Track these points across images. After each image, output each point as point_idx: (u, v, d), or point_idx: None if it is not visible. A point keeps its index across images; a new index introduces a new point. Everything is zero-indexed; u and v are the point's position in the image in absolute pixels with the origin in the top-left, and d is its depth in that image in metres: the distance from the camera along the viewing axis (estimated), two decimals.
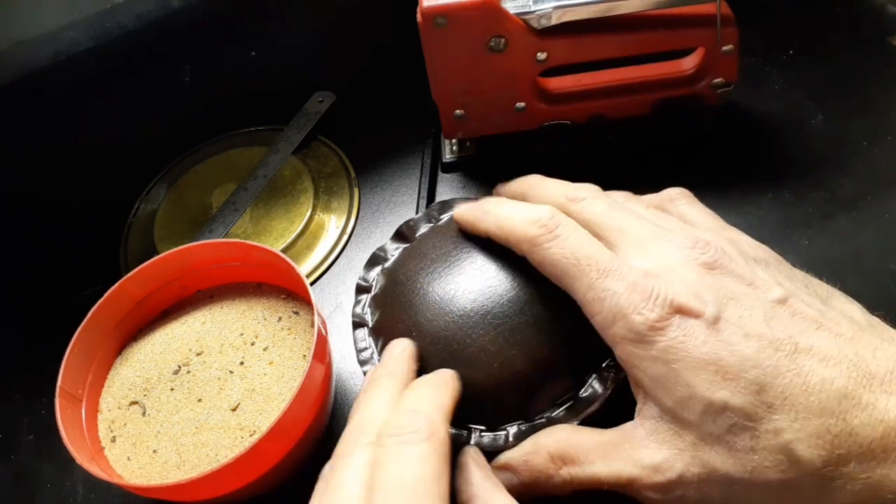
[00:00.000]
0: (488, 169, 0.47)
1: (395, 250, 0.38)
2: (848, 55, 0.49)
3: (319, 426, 0.34)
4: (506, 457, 0.30)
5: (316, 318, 0.33)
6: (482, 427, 0.31)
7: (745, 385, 0.25)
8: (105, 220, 0.49)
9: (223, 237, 0.45)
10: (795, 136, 0.45)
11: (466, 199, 0.39)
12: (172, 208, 0.48)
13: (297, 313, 0.37)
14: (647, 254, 0.29)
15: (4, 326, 0.45)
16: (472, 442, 0.31)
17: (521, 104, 0.43)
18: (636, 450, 0.27)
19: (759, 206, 0.42)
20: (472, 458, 0.29)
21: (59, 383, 0.33)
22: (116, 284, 0.36)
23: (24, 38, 0.55)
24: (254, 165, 0.48)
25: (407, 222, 0.38)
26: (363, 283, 0.37)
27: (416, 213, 0.44)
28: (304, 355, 0.36)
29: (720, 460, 0.25)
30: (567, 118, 0.44)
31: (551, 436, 0.30)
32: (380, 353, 0.33)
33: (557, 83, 0.44)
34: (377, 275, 0.37)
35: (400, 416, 0.27)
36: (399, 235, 0.38)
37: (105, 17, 0.57)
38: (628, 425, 0.28)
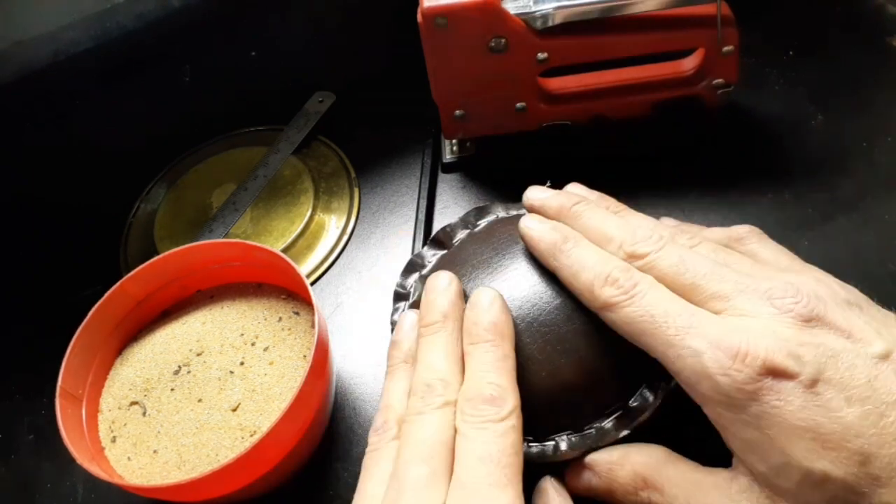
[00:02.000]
0: (488, 169, 0.47)
1: (432, 257, 0.37)
2: (848, 55, 0.49)
3: (320, 426, 0.34)
4: (592, 457, 0.30)
5: (316, 318, 0.33)
6: (530, 437, 0.31)
7: (848, 456, 0.23)
8: (105, 220, 0.49)
9: (223, 237, 0.45)
10: (795, 136, 0.45)
11: (506, 206, 0.39)
12: (172, 208, 0.48)
13: (297, 313, 0.37)
14: (732, 308, 0.27)
15: (4, 326, 0.45)
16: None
17: (521, 104, 0.43)
18: (723, 500, 0.26)
19: (759, 206, 0.42)
20: (553, 485, 0.29)
21: (59, 383, 0.33)
22: (116, 284, 0.36)
23: (24, 38, 0.55)
24: (254, 165, 0.48)
25: (443, 228, 0.38)
26: (401, 290, 0.36)
27: (416, 213, 0.44)
28: (305, 355, 0.36)
29: None
30: (567, 118, 0.44)
31: (642, 454, 0.29)
32: None
33: (558, 83, 0.44)
34: (415, 282, 0.36)
35: (479, 387, 0.27)
36: (436, 242, 0.38)
37: (105, 17, 0.57)
38: (723, 473, 0.27)
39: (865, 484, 0.23)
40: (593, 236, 0.31)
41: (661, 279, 0.28)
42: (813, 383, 0.24)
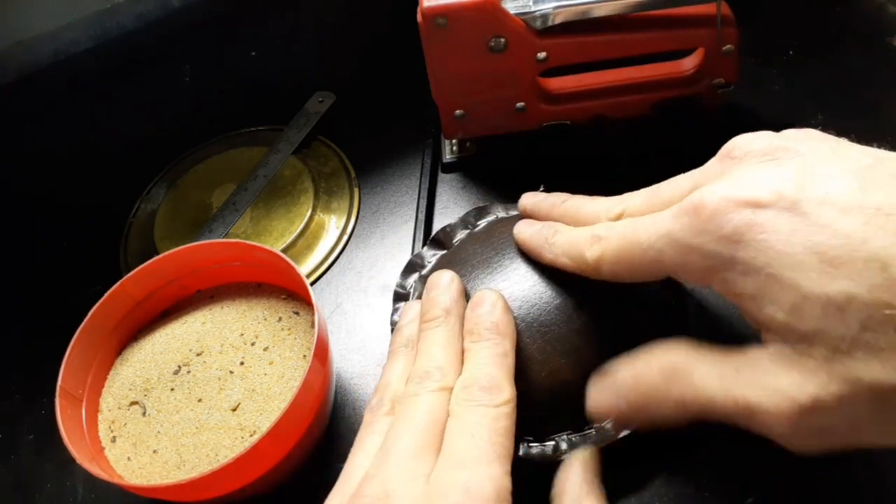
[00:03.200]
0: (488, 169, 0.47)
1: (432, 257, 0.37)
2: (848, 55, 0.49)
3: (320, 426, 0.34)
4: (612, 380, 0.28)
5: (316, 318, 0.33)
6: (530, 437, 0.31)
7: (863, 266, 0.20)
8: (105, 220, 0.49)
9: (223, 237, 0.45)
10: None
11: (506, 206, 0.39)
12: (172, 208, 0.48)
13: (297, 313, 0.37)
14: (698, 184, 0.26)
15: (4, 326, 0.45)
16: (521, 453, 0.30)
17: (521, 104, 0.43)
18: (759, 375, 0.23)
19: None
20: (582, 459, 0.29)
21: (59, 383, 0.33)
22: (116, 284, 0.36)
23: (24, 38, 0.55)
24: (254, 165, 0.48)
25: (443, 228, 0.38)
26: (400, 291, 0.36)
27: (416, 213, 0.44)
28: (305, 355, 0.36)
29: (863, 368, 0.20)
30: (567, 118, 0.44)
31: (664, 351, 0.27)
32: None
33: (557, 83, 0.44)
34: (415, 282, 0.36)
35: (476, 376, 0.27)
36: (435, 242, 0.38)
37: (105, 17, 0.57)
38: (752, 349, 0.24)
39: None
40: (581, 220, 0.32)
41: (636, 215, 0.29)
42: (795, 203, 0.22)
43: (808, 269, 0.21)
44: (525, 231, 0.33)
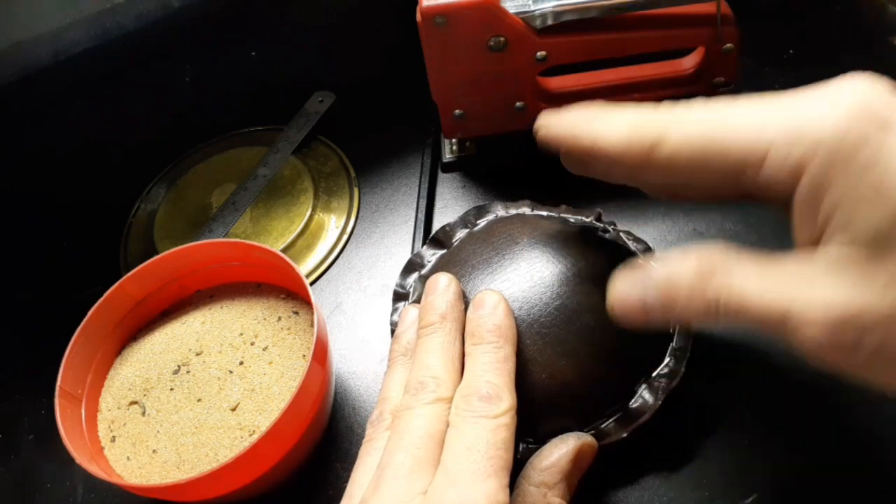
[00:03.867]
0: (488, 169, 0.47)
1: (431, 256, 0.37)
2: (848, 55, 0.48)
3: (319, 426, 0.34)
4: (642, 275, 0.26)
5: (316, 317, 0.33)
6: (530, 439, 0.31)
7: None
8: (105, 220, 0.49)
9: (223, 237, 0.45)
10: None
11: (506, 205, 0.39)
12: (172, 208, 0.48)
13: (296, 313, 0.37)
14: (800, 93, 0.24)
15: (4, 326, 0.45)
16: (520, 455, 0.30)
17: (521, 104, 0.43)
18: (805, 281, 0.22)
19: (759, 206, 0.41)
20: (574, 447, 0.28)
21: (59, 383, 0.33)
22: (116, 284, 0.36)
23: (24, 38, 0.55)
24: (254, 165, 0.48)
25: (443, 228, 0.38)
26: (400, 290, 0.36)
27: (416, 213, 0.44)
28: (304, 355, 0.35)
29: None
30: None
31: (704, 247, 0.25)
32: None
33: (557, 83, 0.44)
34: (414, 281, 0.36)
35: (476, 385, 0.27)
36: (435, 241, 0.38)
37: (105, 17, 0.57)
38: (801, 258, 0.23)
39: None
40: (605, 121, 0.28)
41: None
42: None
43: None
44: (549, 118, 0.29)
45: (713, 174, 0.25)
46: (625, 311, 0.26)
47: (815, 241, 0.23)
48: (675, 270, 0.25)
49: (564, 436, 0.29)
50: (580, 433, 0.30)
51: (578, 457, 0.29)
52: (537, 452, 0.29)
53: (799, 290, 0.22)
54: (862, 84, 0.23)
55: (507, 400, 0.27)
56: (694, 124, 0.25)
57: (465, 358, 0.29)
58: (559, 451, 0.28)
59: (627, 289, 0.26)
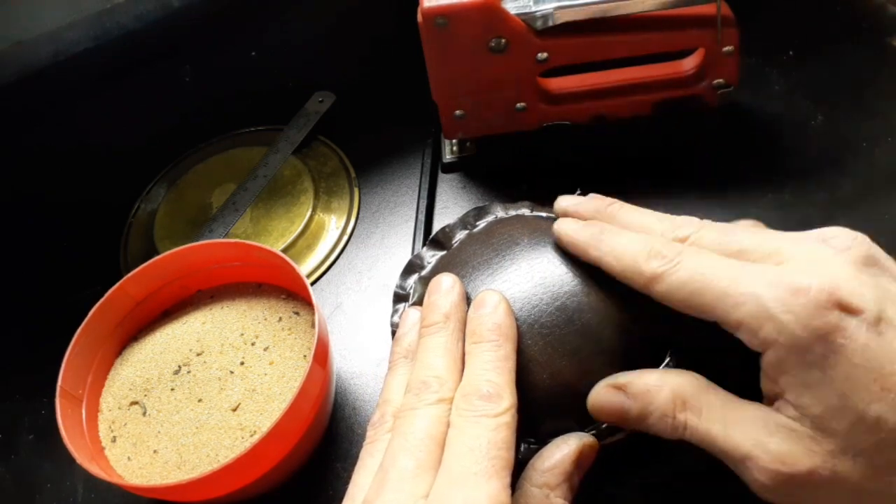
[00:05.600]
0: (488, 169, 0.47)
1: (431, 257, 0.37)
2: (848, 55, 0.49)
3: (320, 426, 0.34)
4: (627, 380, 0.29)
5: (316, 318, 0.33)
6: (531, 439, 0.31)
7: None
8: (105, 220, 0.49)
9: (223, 237, 0.45)
10: (795, 136, 0.45)
11: (505, 206, 0.39)
12: (172, 208, 0.48)
13: (297, 313, 0.37)
14: (789, 258, 0.26)
15: (4, 326, 0.45)
16: (521, 455, 0.30)
17: (521, 104, 0.43)
18: (764, 432, 0.25)
19: (759, 206, 0.42)
20: (576, 447, 0.29)
21: (59, 383, 0.33)
22: (116, 284, 0.36)
23: (24, 38, 0.55)
24: (254, 165, 0.48)
25: (443, 229, 0.38)
26: (400, 292, 0.36)
27: (416, 213, 0.44)
28: (305, 355, 0.36)
29: (857, 473, 0.24)
30: (567, 118, 0.44)
31: (682, 377, 0.28)
32: None
33: (558, 83, 0.44)
34: (414, 283, 0.36)
35: (476, 384, 0.27)
36: (435, 243, 0.38)
37: (105, 17, 0.57)
38: (764, 407, 0.26)
39: None
40: (634, 230, 0.31)
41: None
42: (877, 321, 0.24)
43: (863, 384, 0.24)
44: (568, 226, 0.32)
45: (701, 315, 0.28)
46: (601, 412, 0.29)
47: (773, 399, 0.26)
48: (653, 390, 0.28)
49: (566, 436, 0.29)
50: (581, 433, 0.30)
51: (580, 457, 0.29)
52: (539, 453, 0.29)
53: (758, 440, 0.25)
54: (839, 261, 0.26)
55: (507, 398, 0.27)
56: (689, 274, 0.27)
57: (466, 357, 0.29)
58: (561, 452, 0.28)
59: (609, 395, 0.29)
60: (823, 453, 0.24)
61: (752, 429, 0.26)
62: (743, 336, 0.26)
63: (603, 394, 0.29)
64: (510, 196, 0.41)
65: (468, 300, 0.32)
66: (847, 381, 0.24)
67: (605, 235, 0.31)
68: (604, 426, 0.31)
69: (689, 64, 0.43)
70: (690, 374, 0.28)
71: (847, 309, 0.24)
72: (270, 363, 0.36)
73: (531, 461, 0.29)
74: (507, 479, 0.25)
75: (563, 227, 0.33)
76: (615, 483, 0.32)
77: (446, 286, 0.31)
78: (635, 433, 0.31)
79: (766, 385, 0.26)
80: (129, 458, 0.34)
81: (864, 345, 0.24)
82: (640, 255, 0.29)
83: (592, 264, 0.31)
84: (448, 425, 0.27)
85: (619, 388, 0.29)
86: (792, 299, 0.25)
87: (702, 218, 0.34)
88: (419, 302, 0.33)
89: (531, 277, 0.32)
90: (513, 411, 0.27)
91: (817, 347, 0.24)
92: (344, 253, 0.45)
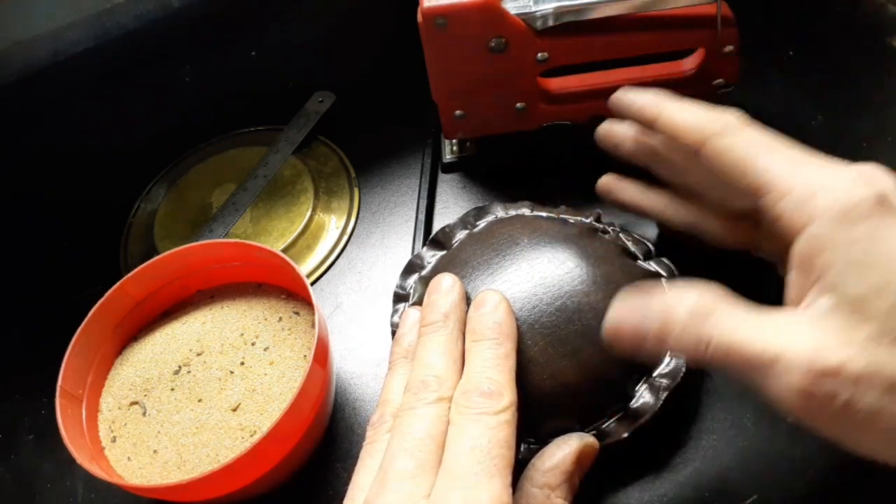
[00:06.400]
0: (488, 169, 0.47)
1: (431, 257, 0.37)
2: (848, 55, 0.49)
3: (320, 427, 0.34)
4: (643, 303, 0.27)
5: (317, 318, 0.33)
6: (531, 439, 0.31)
7: None
8: (105, 220, 0.49)
9: (223, 237, 0.45)
10: (795, 136, 0.44)
11: (505, 206, 0.39)
12: (172, 208, 0.48)
13: (297, 313, 0.37)
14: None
15: (4, 326, 0.45)
16: (521, 455, 0.30)
17: (521, 104, 0.43)
18: (794, 329, 0.24)
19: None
20: (577, 447, 0.29)
21: (59, 383, 0.33)
22: (116, 284, 0.36)
23: (24, 38, 0.55)
24: (254, 165, 0.48)
25: (442, 229, 0.38)
26: (400, 292, 0.36)
27: (416, 213, 0.44)
28: (305, 355, 0.36)
29: (892, 361, 0.23)
30: (567, 118, 0.44)
31: (699, 290, 0.26)
32: None
33: (558, 83, 0.44)
34: (415, 282, 0.36)
35: (476, 381, 0.27)
36: (435, 242, 0.38)
37: (105, 17, 0.57)
38: (789, 308, 0.26)
39: None
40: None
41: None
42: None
43: None
44: (629, 90, 0.34)
45: (742, 187, 0.28)
46: (618, 336, 0.27)
47: (803, 297, 0.25)
48: (672, 304, 0.26)
49: (566, 436, 0.29)
50: (582, 434, 0.30)
51: (581, 457, 0.29)
52: (539, 453, 0.29)
53: (787, 338, 0.24)
54: (876, 170, 0.26)
55: (508, 396, 0.27)
56: (750, 137, 0.29)
57: (465, 355, 0.29)
58: (562, 452, 0.29)
59: (625, 314, 0.27)
60: (860, 341, 0.23)
61: (781, 328, 0.25)
62: (787, 209, 0.26)
63: (619, 315, 0.27)
64: (510, 196, 0.41)
65: (468, 300, 0.32)
66: (891, 261, 0.24)
67: (667, 97, 0.32)
68: (604, 426, 0.31)
69: (689, 64, 0.43)
70: (709, 286, 0.27)
71: (892, 190, 0.25)
72: (270, 363, 0.36)
73: (532, 461, 0.29)
74: (509, 479, 0.25)
75: (621, 91, 0.34)
76: (615, 483, 0.32)
77: (446, 286, 0.31)
78: (635, 433, 0.31)
79: (795, 282, 0.26)
80: (129, 458, 0.34)
81: None
82: (708, 113, 0.30)
83: (648, 121, 0.32)
84: (448, 424, 0.27)
85: (637, 312, 0.27)
86: (844, 172, 0.26)
87: None
88: (419, 302, 0.33)
89: (531, 277, 0.32)
90: (513, 409, 0.27)
91: (864, 225, 0.24)
92: (344, 253, 0.45)
